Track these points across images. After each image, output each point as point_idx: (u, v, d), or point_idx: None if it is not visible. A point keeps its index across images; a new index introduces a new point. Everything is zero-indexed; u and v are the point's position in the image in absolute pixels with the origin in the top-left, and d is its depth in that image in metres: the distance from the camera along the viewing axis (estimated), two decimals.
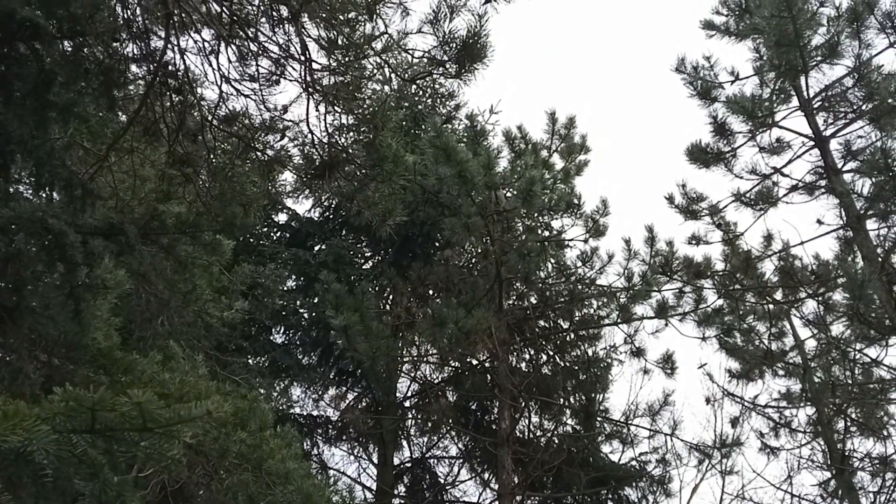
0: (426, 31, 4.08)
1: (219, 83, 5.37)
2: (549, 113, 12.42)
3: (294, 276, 13.13)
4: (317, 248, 13.62)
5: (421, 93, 14.63)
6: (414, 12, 4.51)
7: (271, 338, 13.74)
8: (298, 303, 13.30)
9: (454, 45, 4.04)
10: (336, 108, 4.90)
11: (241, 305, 8.88)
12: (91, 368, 6.40)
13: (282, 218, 14.47)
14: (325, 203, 14.46)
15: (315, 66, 4.87)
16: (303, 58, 4.88)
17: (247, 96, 5.33)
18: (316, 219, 14.57)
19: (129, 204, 5.66)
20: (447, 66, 4.11)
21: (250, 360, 12.32)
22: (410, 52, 4.44)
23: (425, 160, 11.09)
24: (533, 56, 36.47)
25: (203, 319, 8.67)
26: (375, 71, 4.49)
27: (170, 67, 5.55)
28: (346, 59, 4.71)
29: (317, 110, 4.95)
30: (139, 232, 4.74)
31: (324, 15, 3.99)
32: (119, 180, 6.04)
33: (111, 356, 6.60)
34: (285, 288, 13.19)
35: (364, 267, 14.22)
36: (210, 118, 5.49)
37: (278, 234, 14.27)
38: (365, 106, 4.78)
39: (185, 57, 5.45)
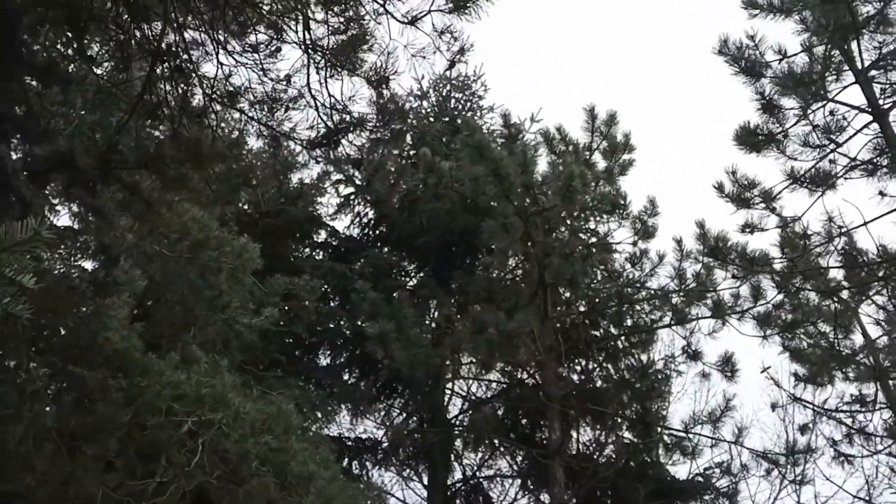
0: None
1: (218, 57, 5.11)
2: (588, 109, 11.85)
3: (333, 293, 12.83)
4: (357, 263, 13.31)
5: (459, 106, 14.40)
6: None
7: (316, 360, 13.49)
8: (341, 322, 12.97)
9: None
10: (338, 68, 4.57)
11: (272, 313, 8.61)
12: (108, 371, 6.14)
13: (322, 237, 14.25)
14: (363, 220, 14.21)
15: (313, 24, 4.56)
16: (300, 16, 4.58)
17: (248, 67, 5.05)
18: (356, 236, 14.30)
19: None
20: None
21: (302, 385, 11.97)
22: None
23: (462, 166, 10.73)
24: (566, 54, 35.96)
25: (232, 328, 8.44)
26: (374, 20, 4.16)
27: (172, 48, 5.32)
28: (345, 13, 4.40)
29: (317, 73, 4.63)
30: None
31: None
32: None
33: (128, 358, 6.35)
34: (327, 307, 12.95)
35: (406, 281, 13.86)
36: (212, 94, 5.22)
37: (320, 253, 14.03)
38: (368, 64, 4.46)
39: (184, 33, 5.22)
